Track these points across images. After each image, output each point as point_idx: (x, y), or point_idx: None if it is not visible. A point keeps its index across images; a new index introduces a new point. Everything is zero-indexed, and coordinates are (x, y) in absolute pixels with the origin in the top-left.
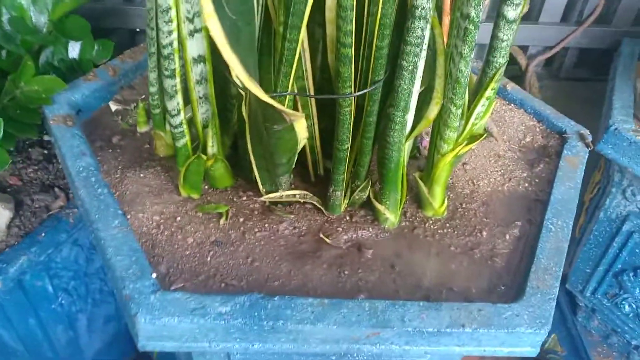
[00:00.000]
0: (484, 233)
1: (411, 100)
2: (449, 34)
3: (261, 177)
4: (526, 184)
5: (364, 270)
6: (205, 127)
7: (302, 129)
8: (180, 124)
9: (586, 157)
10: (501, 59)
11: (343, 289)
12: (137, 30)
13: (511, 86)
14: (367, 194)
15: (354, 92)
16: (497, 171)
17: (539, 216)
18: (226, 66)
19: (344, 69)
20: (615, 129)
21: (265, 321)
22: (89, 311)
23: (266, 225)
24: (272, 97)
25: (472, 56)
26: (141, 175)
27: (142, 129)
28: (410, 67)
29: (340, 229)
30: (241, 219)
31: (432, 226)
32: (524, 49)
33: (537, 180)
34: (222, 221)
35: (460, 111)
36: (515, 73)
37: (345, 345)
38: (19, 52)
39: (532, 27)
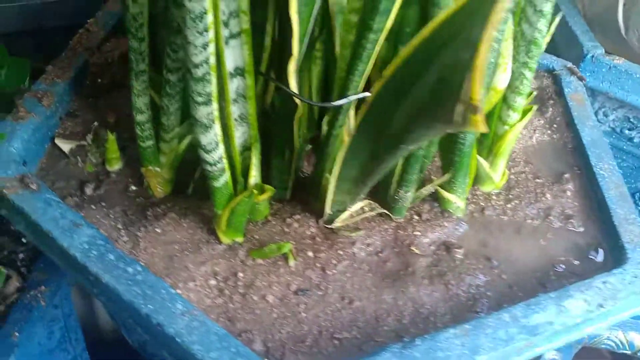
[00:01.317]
0: (547, 195)
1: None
2: None
3: (334, 202)
4: (549, 132)
5: (466, 273)
6: (243, 153)
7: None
8: (220, 159)
9: (584, 90)
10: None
11: (461, 302)
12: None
13: None
14: (434, 187)
15: None
16: None
17: (579, 163)
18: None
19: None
20: (592, 56)
21: None
22: None
23: (340, 252)
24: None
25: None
26: (157, 230)
27: (114, 167)
28: None
29: (418, 233)
30: (309, 253)
31: (497, 202)
32: None
33: (555, 126)
34: (291, 263)
35: (532, 75)
36: None
37: None
38: None
39: None
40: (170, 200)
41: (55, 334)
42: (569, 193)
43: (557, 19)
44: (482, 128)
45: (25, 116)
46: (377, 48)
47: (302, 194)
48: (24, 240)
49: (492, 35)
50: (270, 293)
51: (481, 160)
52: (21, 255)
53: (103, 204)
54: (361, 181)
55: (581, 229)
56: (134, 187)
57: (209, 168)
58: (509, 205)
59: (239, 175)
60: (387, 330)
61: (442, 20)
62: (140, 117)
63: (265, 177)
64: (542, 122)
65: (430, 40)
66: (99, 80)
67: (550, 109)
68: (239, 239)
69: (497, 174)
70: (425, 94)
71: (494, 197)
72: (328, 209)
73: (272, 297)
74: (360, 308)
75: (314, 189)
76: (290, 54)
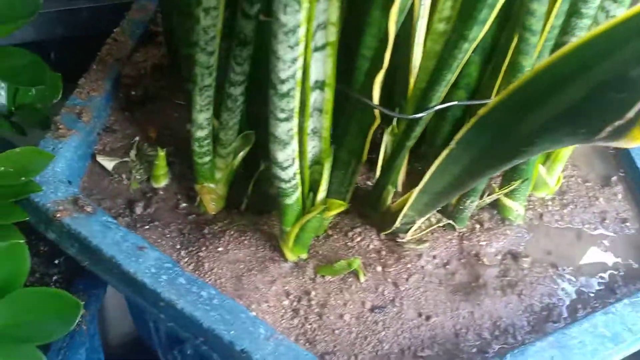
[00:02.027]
0: (600, 199)
1: None
2: None
3: (406, 215)
4: None
5: (537, 282)
6: (313, 167)
7: None
8: (294, 175)
9: None
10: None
11: (536, 313)
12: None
13: None
14: (498, 195)
15: None
16: None
17: (624, 165)
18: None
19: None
20: None
21: None
22: None
23: (408, 265)
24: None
25: None
26: (219, 249)
27: (161, 183)
28: None
29: (483, 243)
30: (378, 268)
31: (554, 208)
32: None
33: None
34: (362, 279)
35: None
36: None
37: None
38: None
39: None
40: (225, 217)
41: (81, 355)
42: (619, 196)
43: None
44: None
45: (65, 133)
46: (466, 58)
47: (356, 206)
48: (56, 262)
49: None
50: (346, 312)
51: (538, 165)
52: (55, 278)
53: (156, 223)
54: (445, 195)
55: (637, 232)
56: (184, 204)
57: (282, 185)
58: (565, 211)
59: (306, 191)
60: (469, 346)
61: (596, 35)
62: (199, 133)
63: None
64: None
65: (578, 55)
66: (133, 92)
67: None
68: (304, 255)
69: (552, 178)
70: (568, 107)
71: (549, 203)
72: (398, 223)
73: (348, 316)
74: (438, 324)
75: (373, 200)
76: (364, 65)
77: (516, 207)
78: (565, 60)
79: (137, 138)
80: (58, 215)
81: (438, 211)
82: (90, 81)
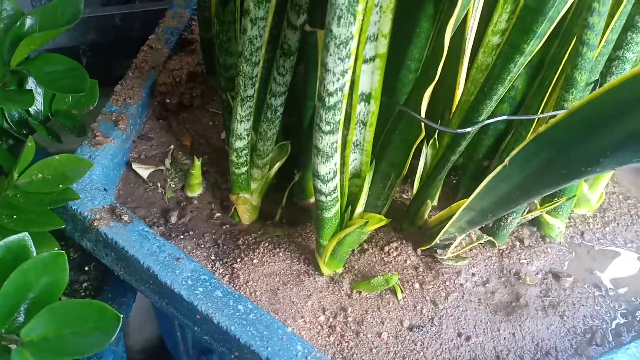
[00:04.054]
0: None
1: None
2: None
3: (447, 232)
4: None
5: (579, 303)
6: (352, 179)
7: None
8: (335, 189)
9: None
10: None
11: (579, 335)
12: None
13: None
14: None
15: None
16: None
17: None
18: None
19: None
20: None
21: None
22: None
23: (447, 283)
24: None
25: None
26: (254, 261)
27: (195, 192)
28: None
29: (524, 261)
30: (416, 285)
31: (595, 226)
32: None
33: None
34: (400, 296)
35: None
36: None
37: None
38: None
39: None
40: (259, 228)
41: None
42: None
43: None
44: None
45: (102, 141)
46: (519, 72)
47: (391, 219)
48: (86, 269)
49: None
50: (384, 330)
51: (581, 182)
52: (84, 285)
53: (190, 233)
54: (491, 212)
55: None
56: (218, 214)
57: (322, 198)
58: (607, 229)
59: (344, 204)
60: None
61: None
62: (238, 144)
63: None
64: None
65: None
66: (168, 100)
67: None
68: (339, 270)
69: (595, 195)
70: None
71: (590, 220)
72: (438, 239)
73: (386, 335)
74: (478, 344)
75: (410, 215)
76: (408, 76)
77: (558, 225)
78: None
79: (172, 146)
80: (95, 223)
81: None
82: (127, 88)
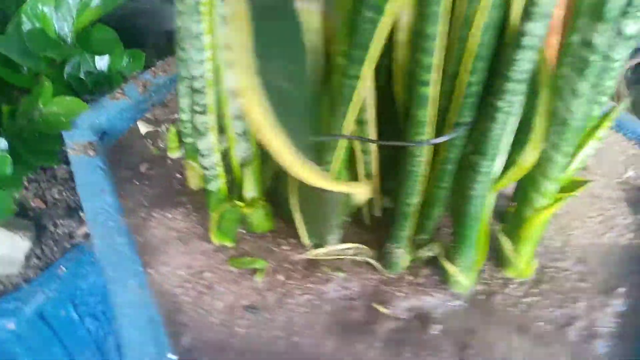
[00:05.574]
0: (580, 303)
1: (502, 145)
2: (558, 59)
3: (308, 231)
4: (631, 235)
5: (429, 351)
6: (242, 167)
7: (362, 194)
8: (214, 165)
9: None
10: (610, 82)
11: None
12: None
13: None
14: (436, 252)
15: (431, 137)
16: (593, 217)
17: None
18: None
19: (421, 112)
20: None
21: None
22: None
23: (310, 285)
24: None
25: (599, 99)
26: (169, 215)
27: (174, 154)
28: (507, 108)
29: (401, 294)
30: (281, 277)
31: (514, 292)
32: None
33: None
34: (258, 279)
35: (566, 160)
36: None
37: None
38: (39, 69)
39: None
40: (199, 194)
41: None
42: (609, 310)
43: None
44: None
45: (119, 97)
46: None
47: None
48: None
49: None
50: (223, 300)
51: (504, 240)
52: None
53: (146, 182)
54: (317, 218)
55: (599, 354)
56: (179, 175)
57: (205, 172)
58: (525, 300)
59: (238, 187)
60: None
61: None
62: (183, 116)
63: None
64: (628, 221)
65: None
66: None
67: None
68: (229, 244)
69: (521, 260)
70: None
71: (513, 285)
72: (305, 239)
73: (221, 304)
74: (296, 345)
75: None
76: None
77: (454, 273)
78: None
79: (177, 115)
80: (69, 151)
81: (372, 244)
82: (166, 64)
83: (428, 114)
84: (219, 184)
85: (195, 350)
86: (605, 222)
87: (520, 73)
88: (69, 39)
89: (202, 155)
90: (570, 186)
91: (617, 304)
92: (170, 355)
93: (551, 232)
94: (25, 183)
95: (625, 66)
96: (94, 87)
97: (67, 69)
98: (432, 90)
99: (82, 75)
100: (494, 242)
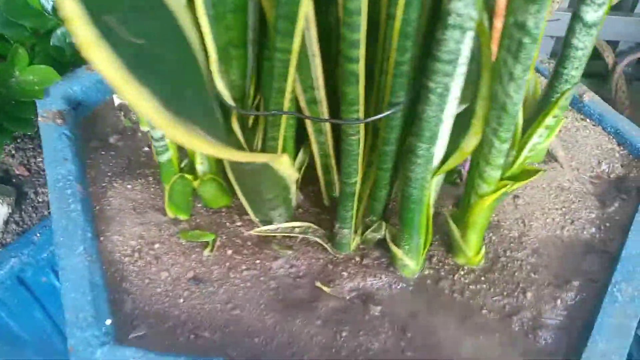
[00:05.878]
0: (529, 294)
1: (441, 128)
2: (500, 43)
3: (252, 208)
4: (593, 229)
5: (367, 332)
6: None
7: (285, 168)
8: (163, 137)
9: None
10: (574, 72)
11: (336, 357)
12: None
13: (589, 97)
14: (382, 234)
15: (366, 116)
16: (557, 209)
17: (603, 276)
18: None
19: (350, 89)
20: None
21: None
22: None
23: (257, 262)
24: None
25: (527, 77)
26: (129, 186)
27: (145, 127)
28: (439, 90)
29: (346, 274)
30: (229, 251)
31: (462, 279)
32: (612, 44)
33: (607, 225)
34: (206, 252)
35: (506, 146)
36: (598, 70)
37: None
38: (21, 38)
39: (625, 20)
40: None
41: None
42: (559, 303)
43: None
44: None
45: (93, 69)
46: None
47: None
48: None
49: None
50: (168, 271)
51: (452, 226)
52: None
53: (113, 153)
54: (253, 193)
55: (541, 346)
56: (146, 148)
57: (155, 143)
58: (472, 287)
59: (189, 161)
60: (245, 347)
61: None
62: None
63: None
64: (592, 215)
65: None
66: None
67: (615, 205)
68: (183, 217)
69: (469, 247)
70: None
71: (462, 271)
72: (252, 216)
73: (167, 274)
74: (237, 317)
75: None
76: None
77: (401, 256)
78: None
79: None
80: (40, 119)
81: (328, 225)
82: None
83: (358, 92)
84: (169, 156)
85: (136, 318)
86: (567, 215)
87: (447, 54)
88: (50, 9)
89: (153, 127)
90: (522, 175)
91: (567, 298)
92: (108, 322)
93: (510, 222)
94: (13, 151)
95: (624, 63)
96: (73, 58)
97: (53, 39)
98: (360, 67)
99: (65, 47)
100: (447, 228)
